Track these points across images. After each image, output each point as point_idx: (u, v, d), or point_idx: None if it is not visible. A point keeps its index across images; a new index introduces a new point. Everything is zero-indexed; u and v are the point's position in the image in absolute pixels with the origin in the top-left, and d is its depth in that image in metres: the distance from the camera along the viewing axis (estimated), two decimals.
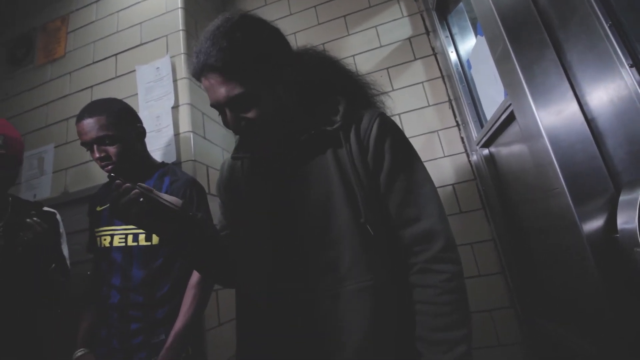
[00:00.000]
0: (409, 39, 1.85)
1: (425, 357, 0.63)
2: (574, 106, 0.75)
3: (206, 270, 0.81)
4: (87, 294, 1.21)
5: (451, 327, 0.62)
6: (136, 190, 0.63)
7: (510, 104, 0.95)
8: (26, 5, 2.19)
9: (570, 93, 0.76)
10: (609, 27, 0.63)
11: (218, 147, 1.75)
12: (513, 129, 1.09)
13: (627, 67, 0.60)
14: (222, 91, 0.64)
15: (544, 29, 0.82)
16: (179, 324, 1.01)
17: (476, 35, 1.45)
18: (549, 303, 1.12)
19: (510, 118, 1.02)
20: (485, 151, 1.39)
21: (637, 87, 0.59)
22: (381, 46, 1.88)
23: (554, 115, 0.76)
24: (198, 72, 0.66)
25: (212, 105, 0.68)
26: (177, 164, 1.46)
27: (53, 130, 1.81)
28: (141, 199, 0.63)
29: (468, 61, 1.49)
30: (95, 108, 1.08)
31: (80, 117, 1.07)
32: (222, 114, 0.69)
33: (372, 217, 0.67)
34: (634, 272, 0.61)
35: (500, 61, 0.92)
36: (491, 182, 1.36)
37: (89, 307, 1.18)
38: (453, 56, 1.61)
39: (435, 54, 1.78)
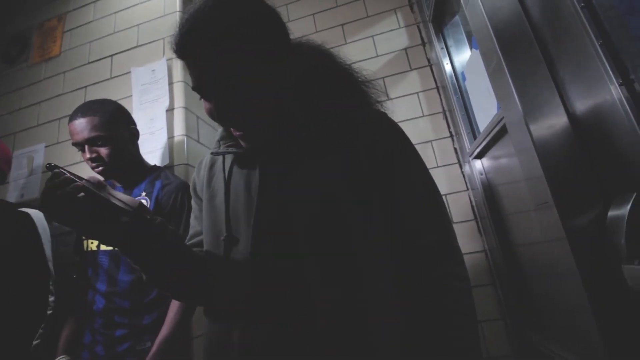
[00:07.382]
0: (405, 49, 1.86)
1: None
2: (565, 121, 0.76)
3: (163, 282, 0.67)
4: (72, 299, 1.18)
5: (463, 351, 0.57)
6: (78, 182, 0.51)
7: (503, 117, 0.96)
8: (24, 3, 2.17)
9: (562, 109, 0.77)
10: (600, 45, 0.64)
11: None
12: (505, 142, 1.10)
13: (617, 85, 0.61)
14: (207, 74, 0.57)
15: (537, 45, 0.83)
16: (164, 331, 1.00)
17: (471, 48, 1.47)
18: (538, 316, 1.13)
19: (503, 131, 1.03)
20: (478, 162, 1.40)
21: (627, 105, 0.60)
22: (377, 56, 1.90)
23: (545, 129, 0.78)
24: (180, 48, 0.58)
25: (194, 88, 0.61)
26: (170, 167, 1.44)
27: (44, 130, 1.79)
28: (81, 194, 0.51)
29: (463, 73, 1.51)
30: (88, 108, 1.07)
31: (72, 117, 1.06)
32: (206, 99, 0.61)
33: (384, 225, 0.62)
34: (622, 288, 0.61)
35: (494, 75, 0.93)
36: (482, 193, 1.37)
37: (72, 312, 1.15)
38: (448, 68, 1.63)
39: (430, 65, 1.79)
